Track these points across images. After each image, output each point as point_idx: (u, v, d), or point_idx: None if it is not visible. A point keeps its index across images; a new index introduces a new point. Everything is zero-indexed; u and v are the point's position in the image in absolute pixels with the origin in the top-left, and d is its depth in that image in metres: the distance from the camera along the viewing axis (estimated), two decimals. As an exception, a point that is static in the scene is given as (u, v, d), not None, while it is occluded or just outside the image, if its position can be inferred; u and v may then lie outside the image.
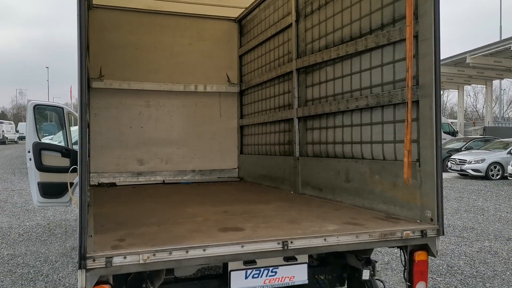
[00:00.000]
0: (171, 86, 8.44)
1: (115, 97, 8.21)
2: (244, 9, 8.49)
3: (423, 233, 3.71)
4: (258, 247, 3.28)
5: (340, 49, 5.35)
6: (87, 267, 2.80)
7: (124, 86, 8.14)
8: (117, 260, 2.88)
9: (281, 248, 3.33)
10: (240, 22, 8.97)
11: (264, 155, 7.77)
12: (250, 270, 3.52)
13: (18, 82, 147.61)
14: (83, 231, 2.84)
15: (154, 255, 2.98)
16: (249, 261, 3.45)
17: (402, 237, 3.65)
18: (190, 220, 4.23)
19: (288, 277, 3.64)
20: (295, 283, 3.68)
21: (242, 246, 3.24)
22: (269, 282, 3.58)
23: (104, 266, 2.84)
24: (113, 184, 8.03)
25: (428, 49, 3.90)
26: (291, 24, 6.69)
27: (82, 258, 2.79)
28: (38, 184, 6.98)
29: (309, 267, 3.75)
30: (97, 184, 7.97)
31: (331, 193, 5.54)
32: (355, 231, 3.59)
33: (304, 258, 3.67)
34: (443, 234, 3.83)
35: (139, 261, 2.93)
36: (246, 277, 3.54)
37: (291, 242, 3.36)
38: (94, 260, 2.82)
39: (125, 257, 2.91)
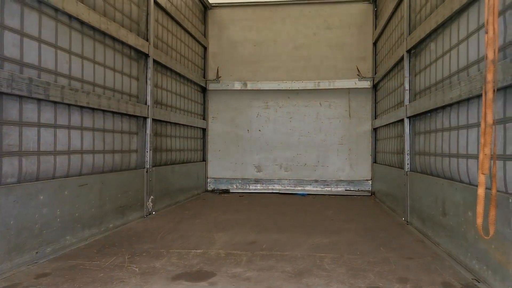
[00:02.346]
0: (290, 85, 7.48)
1: (232, 98, 7.75)
2: (374, -16, 6.88)
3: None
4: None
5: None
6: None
7: (241, 87, 7.59)
8: (-14, 306, 2.24)
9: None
10: (376, 1, 7.35)
11: (387, 166, 6.07)
12: None
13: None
14: None
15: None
16: None
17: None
18: (192, 252, 3.31)
19: None
20: None
21: (153, 311, 2.18)
22: None
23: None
24: (226, 191, 7.58)
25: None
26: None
27: None
28: None
29: None
30: (211, 190, 7.65)
31: (431, 228, 3.74)
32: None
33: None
34: None
35: (9, 311, 2.22)
36: None
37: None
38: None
39: (-5, 304, 2.25)
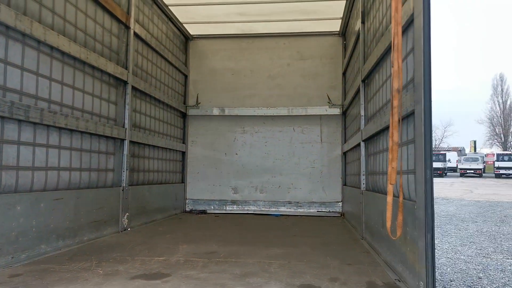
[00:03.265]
0: (266, 111, 7.94)
1: (211, 123, 8.18)
2: (341, 19, 7.46)
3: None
4: (128, 306, 2.50)
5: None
6: None
7: (220, 113, 8.03)
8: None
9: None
10: (345, 35, 7.91)
11: (352, 187, 6.47)
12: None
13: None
14: None
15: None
16: None
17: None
18: (155, 259, 3.64)
19: None
20: None
21: (109, 302, 2.52)
22: None
23: None
24: (203, 212, 7.91)
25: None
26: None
27: None
28: None
29: None
30: (189, 210, 7.98)
31: (376, 240, 4.12)
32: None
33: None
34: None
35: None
36: None
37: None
38: None
39: (-29, 296, 2.57)
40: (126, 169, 5.43)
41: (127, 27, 5.56)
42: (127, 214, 5.43)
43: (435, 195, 23.34)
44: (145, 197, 6.10)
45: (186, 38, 8.21)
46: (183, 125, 8.08)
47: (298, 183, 7.93)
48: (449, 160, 51.32)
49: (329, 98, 7.88)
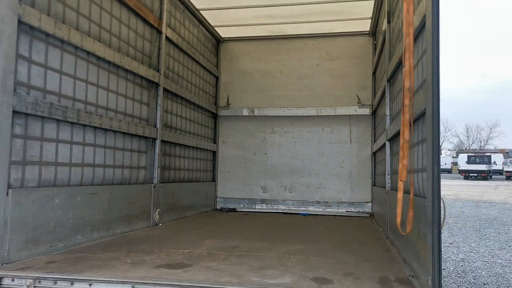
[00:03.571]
0: (294, 111, 8.06)
1: (241, 124, 8.38)
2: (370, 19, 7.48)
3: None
4: (150, 292, 2.71)
5: None
6: (-19, 283, 2.87)
7: (249, 113, 8.22)
8: (5, 282, 2.85)
9: (175, 300, 2.66)
10: (375, 34, 7.91)
11: (380, 187, 6.49)
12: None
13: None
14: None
15: (39, 282, 2.82)
16: None
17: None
18: (180, 251, 3.85)
19: None
20: None
21: (133, 287, 2.74)
22: None
23: (-8, 285, 2.85)
24: (233, 210, 8.11)
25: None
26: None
27: (-26, 272, 2.87)
28: None
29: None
30: (219, 208, 8.20)
31: (397, 239, 4.17)
32: (290, 292, 2.56)
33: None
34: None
35: (22, 286, 2.82)
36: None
37: (193, 293, 2.65)
38: (-14, 278, 2.86)
39: (13, 280, 2.85)
40: (158, 167, 5.69)
41: (159, 32, 5.82)
42: (158, 210, 5.69)
43: (478, 197, 22.67)
44: (176, 194, 6.35)
45: (218, 40, 8.44)
46: (214, 125, 8.32)
47: (327, 183, 7.99)
48: (494, 163, 49.61)
49: (358, 98, 7.90)
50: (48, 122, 3.70)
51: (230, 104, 8.38)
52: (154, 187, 5.60)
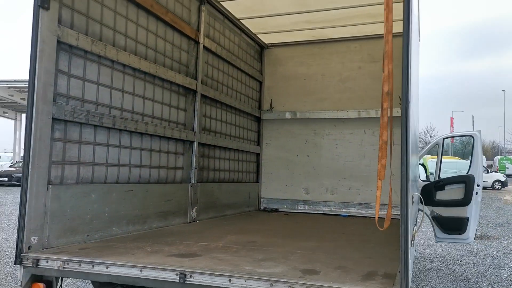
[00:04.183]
0: (336, 114, 8.19)
1: (284, 126, 8.65)
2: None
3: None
4: (155, 274, 3.10)
5: None
6: (23, 264, 3.43)
7: (292, 116, 8.47)
8: (41, 263, 3.39)
9: (177, 281, 3.02)
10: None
11: (415, 189, 6.43)
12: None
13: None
14: (20, 231, 3.50)
15: (67, 264, 3.33)
16: None
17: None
18: (199, 244, 4.24)
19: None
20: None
21: (141, 271, 3.15)
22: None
23: (31, 265, 3.39)
24: (275, 210, 8.40)
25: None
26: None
27: (17, 256, 3.44)
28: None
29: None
30: (262, 208, 8.53)
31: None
32: (271, 278, 2.82)
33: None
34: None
35: (54, 267, 3.34)
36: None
37: (190, 276, 3.00)
38: (27, 259, 3.41)
39: (47, 261, 3.38)
40: (195, 168, 6.14)
41: (197, 42, 6.28)
42: (196, 207, 6.13)
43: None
44: (215, 193, 6.77)
45: (261, 47, 8.79)
46: (257, 128, 8.67)
47: (369, 185, 8.01)
48: None
49: (400, 100, 7.82)
50: (86, 127, 4.25)
51: (273, 107, 8.69)
52: (192, 186, 6.05)
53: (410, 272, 2.74)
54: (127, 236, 4.54)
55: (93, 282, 3.69)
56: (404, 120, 2.60)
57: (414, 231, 3.53)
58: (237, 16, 7.48)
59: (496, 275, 8.14)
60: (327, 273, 3.05)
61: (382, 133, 2.82)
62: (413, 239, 3.38)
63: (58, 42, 3.85)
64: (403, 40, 2.65)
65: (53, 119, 3.81)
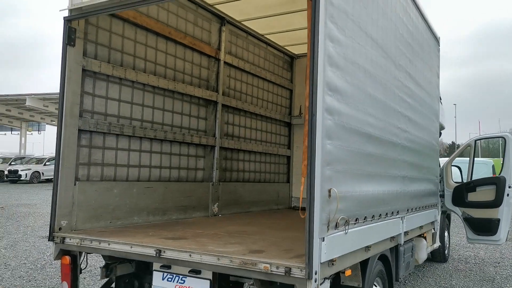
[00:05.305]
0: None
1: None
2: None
3: (287, 272, 3.24)
4: (140, 250, 4.01)
5: None
6: (54, 241, 4.53)
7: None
8: (66, 240, 4.46)
9: (155, 255, 3.90)
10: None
11: None
12: (166, 274, 4.19)
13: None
14: (53, 216, 4.60)
15: (83, 241, 4.36)
16: (166, 266, 4.13)
17: (262, 270, 3.34)
18: (196, 231, 5.10)
19: (193, 288, 4.02)
20: (199, 296, 4.00)
21: (131, 247, 4.07)
22: (178, 288, 4.11)
23: (59, 242, 4.48)
24: (303, 208, 8.99)
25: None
26: None
27: (50, 234, 4.56)
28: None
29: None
30: (292, 206, 9.19)
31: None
32: (219, 254, 3.60)
33: (208, 274, 3.95)
34: (311, 278, 3.14)
35: (74, 243, 4.39)
36: (163, 279, 4.23)
37: (164, 252, 3.87)
38: (57, 238, 4.51)
39: (70, 239, 4.45)
40: (216, 169, 7.03)
41: (217, 59, 7.18)
42: (217, 203, 7.01)
43: None
44: (238, 191, 7.60)
45: (291, 57, 9.48)
46: (288, 133, 9.36)
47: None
48: None
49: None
50: (109, 135, 5.32)
51: (302, 113, 9.32)
52: (213, 185, 6.94)
53: (324, 252, 3.32)
54: (145, 225, 5.53)
55: (103, 256, 4.69)
56: (309, 127, 3.22)
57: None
58: (261, 32, 8.25)
59: None
60: (269, 253, 3.74)
61: (305, 140, 3.45)
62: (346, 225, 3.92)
63: (83, 70, 4.95)
64: (309, 62, 3.27)
65: (79, 130, 4.90)
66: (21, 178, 32.17)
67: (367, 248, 4.32)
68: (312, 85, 3.27)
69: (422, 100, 6.50)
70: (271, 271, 3.30)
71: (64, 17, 4.70)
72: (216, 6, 6.97)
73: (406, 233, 5.62)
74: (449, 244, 9.46)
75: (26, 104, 32.08)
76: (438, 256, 8.93)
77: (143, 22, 5.72)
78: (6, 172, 32.90)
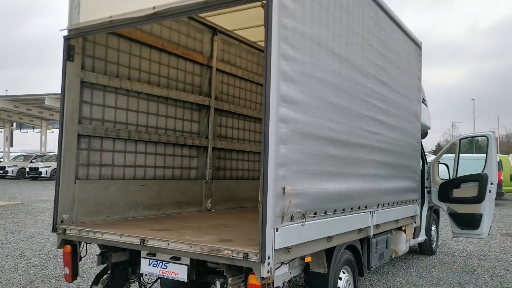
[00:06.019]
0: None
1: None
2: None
3: (244, 257, 3.82)
4: (127, 239, 4.65)
5: None
6: (56, 232, 5.21)
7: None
8: (67, 232, 5.13)
9: (139, 244, 4.52)
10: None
11: None
12: (152, 260, 4.81)
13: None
14: (55, 210, 5.27)
15: (81, 232, 5.01)
16: (152, 254, 4.76)
17: (225, 255, 3.93)
18: (183, 224, 5.72)
19: (174, 273, 4.64)
20: (178, 279, 4.62)
21: (120, 237, 4.71)
22: (162, 273, 4.73)
23: (61, 233, 5.15)
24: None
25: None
26: None
27: (53, 226, 5.24)
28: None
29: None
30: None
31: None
32: (192, 243, 4.20)
33: (186, 261, 4.56)
34: (264, 262, 3.71)
35: (73, 234, 5.06)
36: (149, 265, 4.86)
37: (147, 241, 4.49)
38: (59, 229, 5.18)
39: (70, 230, 5.12)
40: (209, 168, 7.64)
41: (210, 67, 7.77)
42: (210, 199, 7.62)
43: None
44: (231, 188, 8.20)
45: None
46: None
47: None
48: None
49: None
50: (106, 139, 5.97)
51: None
52: (206, 182, 7.55)
53: (278, 240, 3.89)
54: (140, 218, 6.17)
55: (98, 245, 5.34)
56: (263, 137, 3.78)
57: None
58: (253, 40, 8.80)
59: (507, 270, 8.46)
60: (236, 241, 4.32)
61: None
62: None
63: (82, 81, 5.60)
64: (263, 79, 3.83)
65: (79, 135, 5.56)
66: (41, 175, 33.55)
67: (329, 238, 4.86)
68: (265, 98, 3.82)
69: (398, 103, 6.96)
70: (232, 256, 3.88)
71: (64, 36, 5.35)
72: (208, 18, 7.55)
73: (377, 226, 6.13)
74: (437, 237, 9.89)
75: (45, 103, 33.35)
76: (425, 249, 9.40)
77: (137, 37, 6.34)
78: (27, 169, 34.28)
